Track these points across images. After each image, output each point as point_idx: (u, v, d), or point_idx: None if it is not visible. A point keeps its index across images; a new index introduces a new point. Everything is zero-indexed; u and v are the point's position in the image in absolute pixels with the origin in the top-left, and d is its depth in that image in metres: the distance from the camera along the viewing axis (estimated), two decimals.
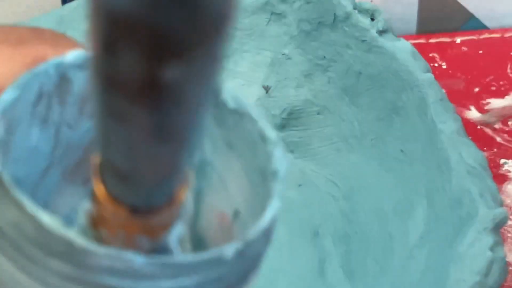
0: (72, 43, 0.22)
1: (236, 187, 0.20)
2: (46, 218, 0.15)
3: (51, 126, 0.19)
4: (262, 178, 0.19)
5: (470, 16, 0.55)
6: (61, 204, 0.21)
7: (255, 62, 0.44)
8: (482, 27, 0.54)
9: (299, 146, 0.43)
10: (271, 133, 0.19)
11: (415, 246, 0.35)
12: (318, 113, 0.42)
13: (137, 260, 0.15)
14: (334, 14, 0.40)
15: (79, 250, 0.15)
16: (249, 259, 0.17)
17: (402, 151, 0.38)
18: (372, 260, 0.37)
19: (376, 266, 0.37)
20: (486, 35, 0.52)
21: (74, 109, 0.19)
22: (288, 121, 0.43)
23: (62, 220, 0.15)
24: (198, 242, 0.22)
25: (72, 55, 0.19)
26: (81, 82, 0.19)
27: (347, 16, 0.40)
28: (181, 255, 0.16)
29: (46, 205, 0.21)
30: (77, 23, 0.42)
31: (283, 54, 0.43)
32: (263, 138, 0.19)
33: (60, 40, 0.22)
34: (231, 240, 0.19)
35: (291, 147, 0.43)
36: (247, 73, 0.44)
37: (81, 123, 0.20)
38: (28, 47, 0.20)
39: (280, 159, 0.18)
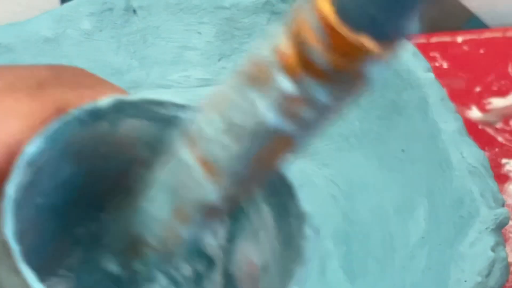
0: (93, 83, 0.21)
1: (267, 241, 0.20)
2: None
3: (83, 161, 0.19)
4: (289, 247, 0.18)
5: (471, 15, 0.55)
6: (84, 231, 0.21)
7: None
8: (483, 26, 0.54)
9: None
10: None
11: (416, 246, 0.35)
12: None
13: None
14: None
15: None
16: None
17: (403, 150, 0.38)
18: (373, 260, 0.37)
19: (377, 266, 0.36)
20: (488, 34, 0.52)
21: (108, 146, 0.19)
22: None
23: None
24: (228, 278, 0.21)
25: (107, 100, 0.18)
26: (117, 125, 0.19)
27: None
28: None
29: (68, 232, 0.21)
30: (76, 22, 0.42)
31: None
32: (298, 215, 0.18)
33: (81, 80, 0.21)
34: None
35: None
36: None
37: (117, 156, 0.20)
38: (48, 93, 0.19)
39: (306, 242, 0.18)
